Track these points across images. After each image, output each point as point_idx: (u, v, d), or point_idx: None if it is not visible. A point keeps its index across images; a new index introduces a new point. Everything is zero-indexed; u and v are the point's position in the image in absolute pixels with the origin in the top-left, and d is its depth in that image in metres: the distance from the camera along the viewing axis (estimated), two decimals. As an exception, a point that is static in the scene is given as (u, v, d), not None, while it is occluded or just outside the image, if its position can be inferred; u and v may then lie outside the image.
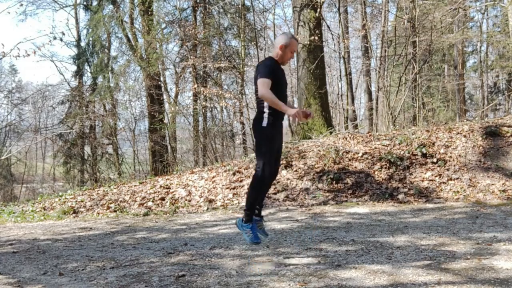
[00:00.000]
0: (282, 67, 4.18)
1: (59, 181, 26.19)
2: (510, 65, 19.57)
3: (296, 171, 8.32)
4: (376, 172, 8.02)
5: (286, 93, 4.28)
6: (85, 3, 20.25)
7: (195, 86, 13.42)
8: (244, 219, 4.28)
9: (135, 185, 9.15)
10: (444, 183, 7.64)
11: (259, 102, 4.08)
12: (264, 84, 3.82)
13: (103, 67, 18.62)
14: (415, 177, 7.83)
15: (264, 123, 4.02)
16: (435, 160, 8.12)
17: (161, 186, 8.68)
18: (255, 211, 4.33)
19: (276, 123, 4.12)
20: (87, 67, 20.15)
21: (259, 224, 4.44)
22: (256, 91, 4.03)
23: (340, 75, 17.05)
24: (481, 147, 8.32)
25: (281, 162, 8.60)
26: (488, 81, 23.55)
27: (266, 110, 4.01)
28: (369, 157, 8.34)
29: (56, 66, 47.20)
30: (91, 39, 18.87)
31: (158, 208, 7.97)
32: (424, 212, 6.45)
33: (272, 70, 3.94)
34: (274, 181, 8.08)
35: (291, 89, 22.29)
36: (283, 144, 4.32)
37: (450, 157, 8.16)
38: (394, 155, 8.19)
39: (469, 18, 19.75)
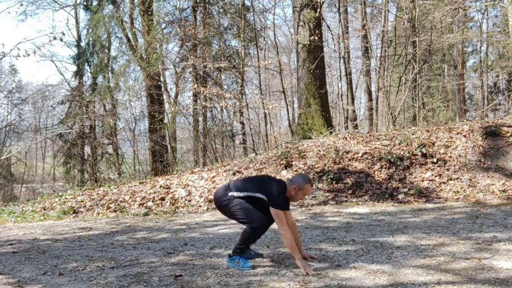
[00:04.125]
0: None
1: (59, 181, 26.17)
2: (510, 65, 19.54)
3: (296, 171, 8.31)
4: (376, 172, 8.01)
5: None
6: (85, 3, 20.22)
7: (195, 86, 13.40)
8: (231, 254, 3.90)
9: (135, 185, 9.15)
10: (444, 183, 7.64)
11: (240, 195, 3.79)
12: (283, 220, 3.65)
13: (103, 67, 18.60)
14: (415, 177, 7.83)
15: (236, 201, 3.79)
16: (435, 160, 8.12)
17: (161, 186, 8.68)
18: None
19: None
20: (87, 67, 20.13)
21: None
22: (251, 190, 3.78)
23: (340, 75, 17.03)
24: (481, 147, 8.31)
25: (281, 162, 8.60)
26: (488, 81, 23.52)
27: (236, 195, 3.78)
28: (369, 157, 8.33)
29: (56, 66, 47.30)
30: (91, 39, 18.86)
31: (158, 208, 7.97)
32: (424, 212, 6.45)
33: (285, 202, 3.79)
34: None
35: (291, 89, 22.27)
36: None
37: (450, 157, 8.16)
38: (394, 155, 8.18)
39: (469, 18, 19.73)
